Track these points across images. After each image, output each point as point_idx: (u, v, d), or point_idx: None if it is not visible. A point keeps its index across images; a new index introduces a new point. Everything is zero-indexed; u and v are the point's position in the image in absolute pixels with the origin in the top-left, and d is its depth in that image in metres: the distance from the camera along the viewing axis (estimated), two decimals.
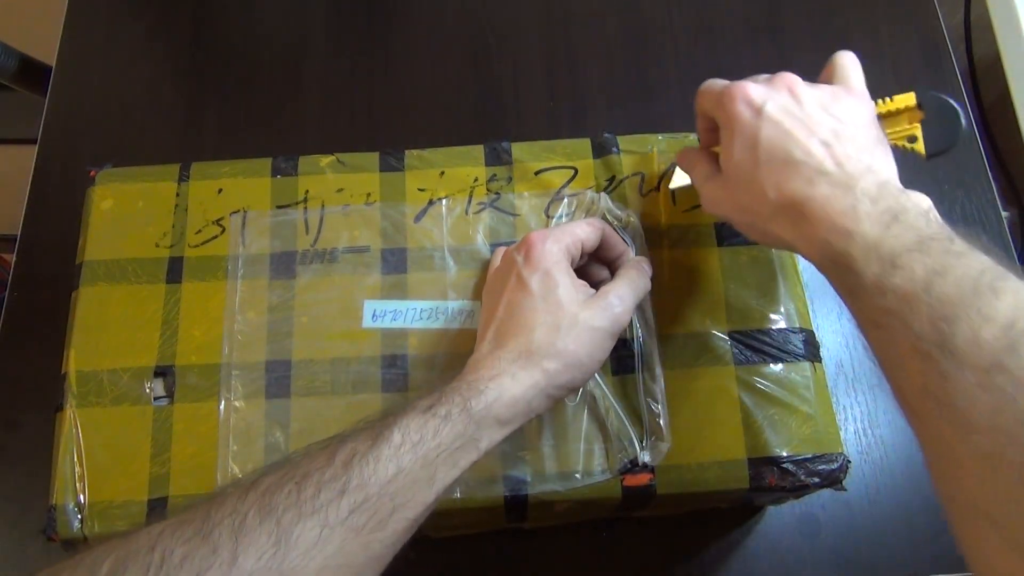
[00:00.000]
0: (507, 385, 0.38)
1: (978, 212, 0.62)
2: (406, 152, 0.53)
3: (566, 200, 0.52)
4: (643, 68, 0.68)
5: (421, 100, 0.68)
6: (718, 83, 0.43)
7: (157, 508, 0.44)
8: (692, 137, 0.53)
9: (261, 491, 0.32)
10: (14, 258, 0.62)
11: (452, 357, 0.47)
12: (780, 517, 0.54)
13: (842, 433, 0.55)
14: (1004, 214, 0.62)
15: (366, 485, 0.33)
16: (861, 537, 0.53)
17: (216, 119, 0.68)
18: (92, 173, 0.53)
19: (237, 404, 0.47)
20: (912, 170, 0.63)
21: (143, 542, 0.30)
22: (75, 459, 0.45)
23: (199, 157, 0.54)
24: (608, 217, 0.50)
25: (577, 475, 0.45)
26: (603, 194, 0.51)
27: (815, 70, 0.68)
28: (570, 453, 0.45)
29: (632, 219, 0.50)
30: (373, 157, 0.53)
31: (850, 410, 0.56)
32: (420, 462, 0.34)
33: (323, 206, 0.52)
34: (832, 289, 0.59)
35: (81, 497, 0.45)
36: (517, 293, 0.42)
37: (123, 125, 0.68)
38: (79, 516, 0.44)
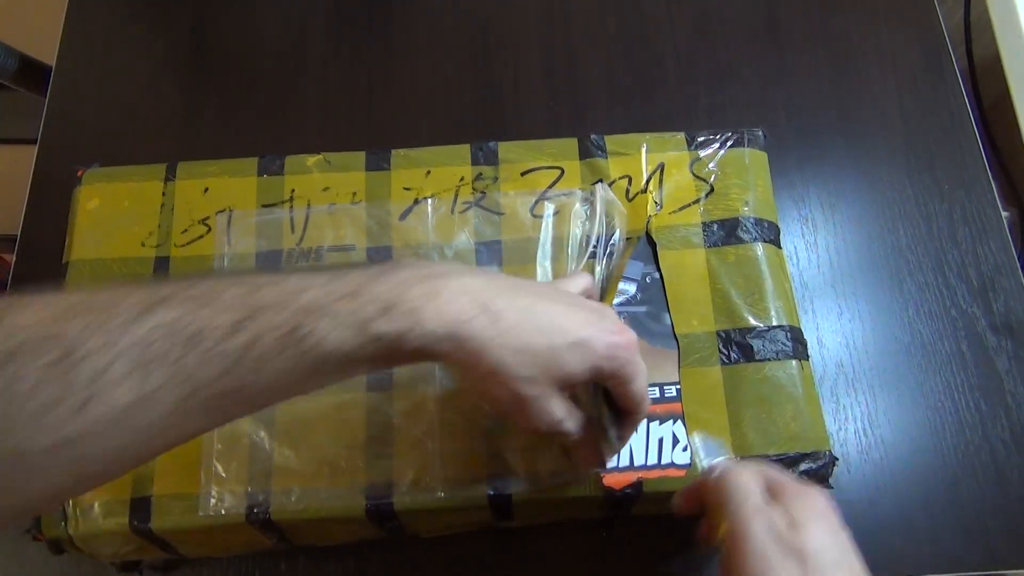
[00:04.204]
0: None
1: (978, 212, 0.62)
2: (392, 151, 0.53)
3: (553, 200, 0.52)
4: (643, 68, 0.68)
5: (421, 100, 0.68)
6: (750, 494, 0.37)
7: (141, 508, 0.44)
8: (679, 136, 0.53)
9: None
10: (14, 258, 0.62)
11: None
12: None
13: (842, 433, 0.55)
14: (1004, 214, 0.62)
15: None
16: (861, 537, 0.53)
17: (216, 119, 0.68)
18: (80, 172, 0.53)
19: None
20: (913, 170, 0.64)
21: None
22: None
23: (198, 157, 0.54)
24: (599, 206, 0.50)
25: (549, 475, 0.45)
26: (601, 184, 0.51)
27: (815, 70, 0.69)
28: (545, 453, 0.45)
29: (620, 212, 0.50)
30: (360, 156, 0.53)
31: (850, 410, 0.56)
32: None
33: (309, 205, 0.51)
34: (831, 288, 0.60)
35: None
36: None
37: (123, 125, 0.68)
38: (63, 515, 0.44)
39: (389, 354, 0.33)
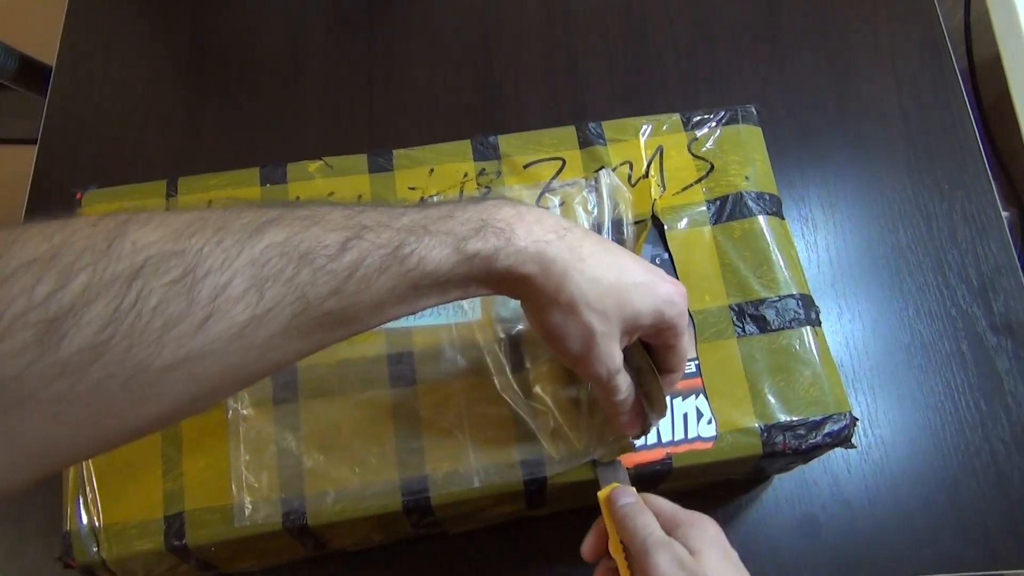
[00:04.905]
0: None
1: (978, 212, 0.62)
2: (394, 152, 0.53)
3: (558, 191, 0.52)
4: (643, 68, 0.68)
5: (422, 101, 0.68)
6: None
7: (174, 525, 0.44)
8: (675, 118, 0.53)
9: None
10: None
11: (457, 350, 0.48)
12: (780, 517, 0.54)
13: None
14: (1004, 214, 0.62)
15: None
16: (861, 537, 0.53)
17: (216, 119, 0.68)
18: (78, 195, 0.52)
19: (245, 412, 0.46)
20: (913, 170, 0.64)
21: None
22: (85, 482, 0.44)
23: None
24: (606, 192, 0.50)
25: (588, 452, 0.45)
26: (605, 170, 0.51)
27: (815, 70, 0.69)
28: (576, 432, 0.45)
29: (625, 198, 0.51)
30: (361, 159, 0.53)
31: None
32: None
33: None
34: (831, 288, 0.60)
35: (96, 521, 0.44)
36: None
37: (123, 125, 0.68)
38: (95, 540, 0.44)
39: (482, 274, 0.35)
